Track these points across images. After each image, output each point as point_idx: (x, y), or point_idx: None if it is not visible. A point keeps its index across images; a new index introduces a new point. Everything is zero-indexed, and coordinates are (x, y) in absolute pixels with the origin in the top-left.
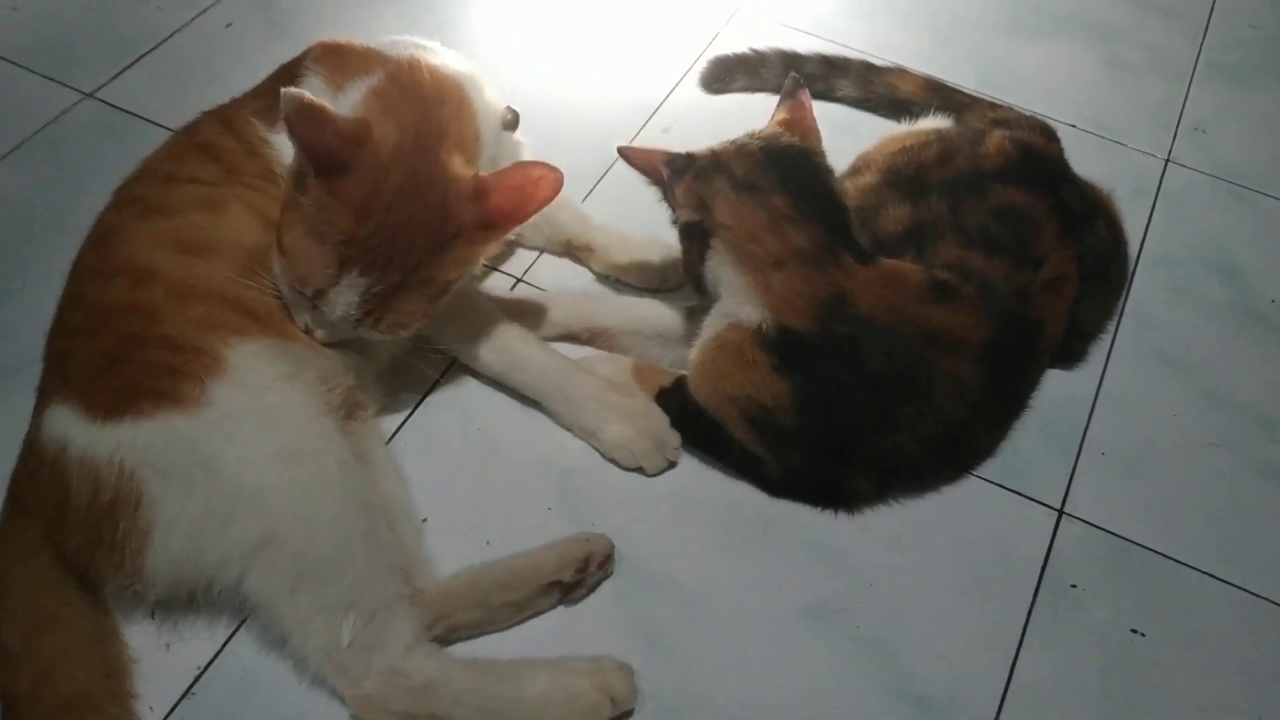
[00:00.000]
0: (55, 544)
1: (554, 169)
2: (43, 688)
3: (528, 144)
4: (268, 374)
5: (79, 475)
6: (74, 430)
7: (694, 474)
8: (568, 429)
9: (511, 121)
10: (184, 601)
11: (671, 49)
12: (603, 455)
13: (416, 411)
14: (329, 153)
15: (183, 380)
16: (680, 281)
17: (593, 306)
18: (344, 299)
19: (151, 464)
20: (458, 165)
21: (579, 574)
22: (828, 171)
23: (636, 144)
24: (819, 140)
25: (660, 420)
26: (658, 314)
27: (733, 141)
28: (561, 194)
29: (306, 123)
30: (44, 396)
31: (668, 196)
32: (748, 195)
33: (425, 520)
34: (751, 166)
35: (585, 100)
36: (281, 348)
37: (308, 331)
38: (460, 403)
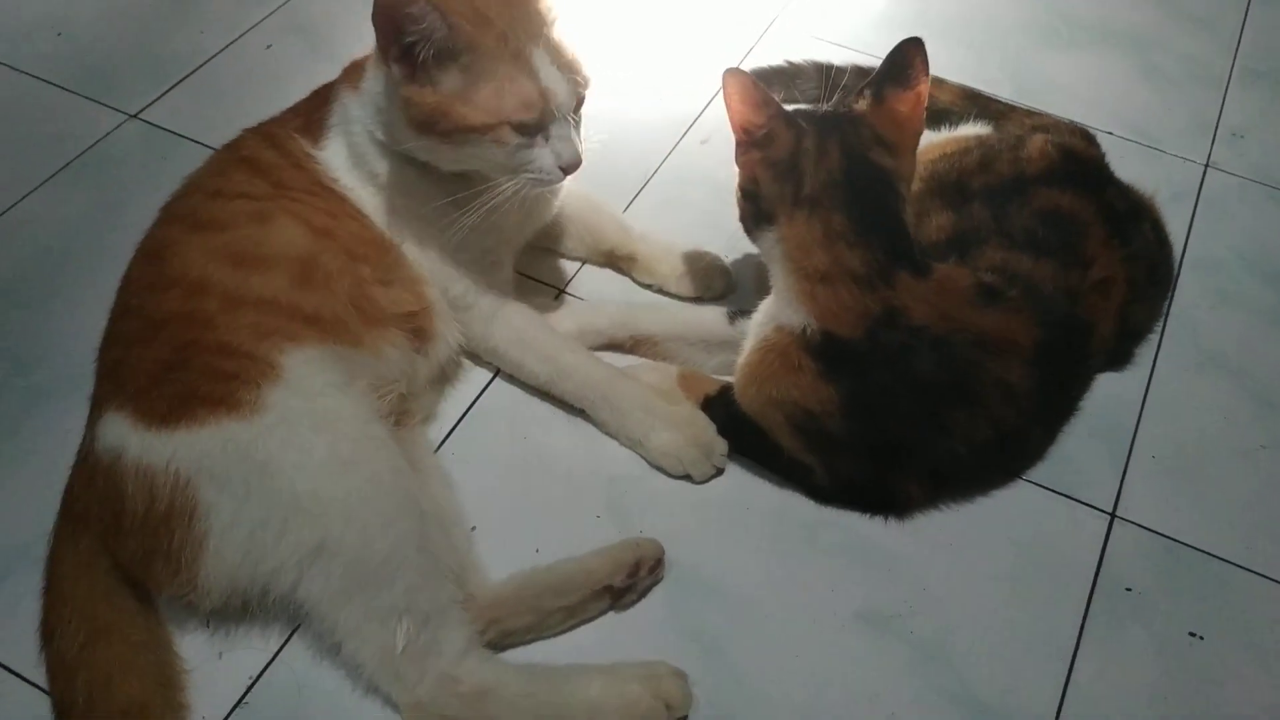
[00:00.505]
0: (111, 552)
1: None
2: (98, 697)
3: None
4: (321, 380)
5: (135, 483)
6: (129, 438)
7: (740, 480)
8: (614, 437)
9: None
10: (237, 610)
11: (708, 61)
12: (650, 463)
13: (464, 420)
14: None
15: (238, 386)
16: (724, 290)
17: (635, 314)
18: (551, 75)
19: (207, 471)
20: None
21: (630, 578)
22: (902, 199)
23: (674, 156)
24: (915, 145)
25: (707, 427)
26: (700, 320)
27: (826, 121)
28: (603, 205)
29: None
30: (98, 406)
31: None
32: (806, 208)
33: (474, 528)
34: (823, 183)
35: (625, 112)
36: (336, 353)
37: (570, 168)
38: (507, 412)
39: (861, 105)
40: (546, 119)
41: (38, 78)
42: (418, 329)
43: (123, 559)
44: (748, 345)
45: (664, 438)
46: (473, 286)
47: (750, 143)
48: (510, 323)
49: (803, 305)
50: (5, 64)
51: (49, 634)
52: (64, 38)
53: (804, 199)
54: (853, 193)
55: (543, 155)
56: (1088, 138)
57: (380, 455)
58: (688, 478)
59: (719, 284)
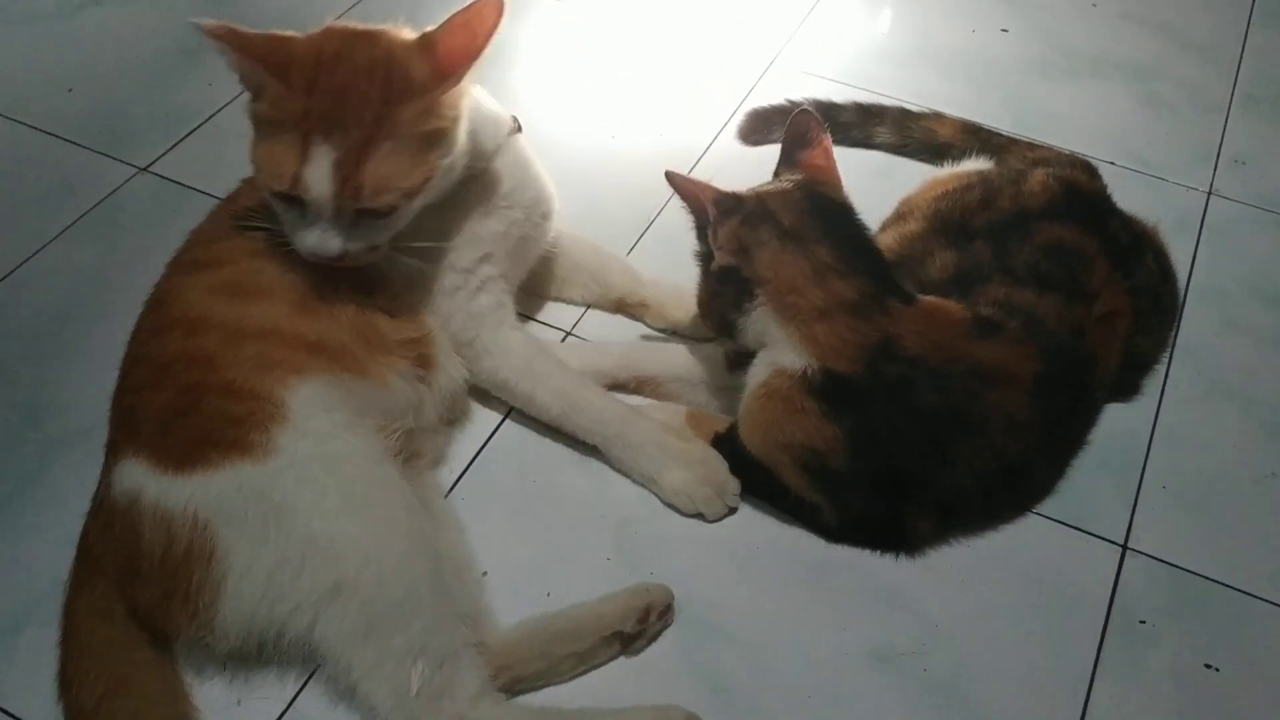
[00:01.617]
0: (128, 598)
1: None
2: None
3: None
4: (329, 421)
5: (151, 527)
6: (146, 483)
7: (750, 520)
8: (626, 475)
9: (515, 129)
10: (253, 654)
11: (709, 102)
12: (662, 501)
13: (473, 465)
14: (261, 51)
15: (248, 429)
16: None
17: (639, 355)
18: (317, 171)
19: (224, 513)
20: (400, 31)
21: (640, 624)
22: (866, 228)
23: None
24: (842, 190)
25: (719, 466)
26: (705, 362)
27: (770, 185)
28: (608, 253)
29: (228, 37)
30: (113, 452)
31: (707, 233)
32: (792, 244)
33: (485, 573)
34: (798, 215)
35: (627, 153)
36: (342, 385)
37: (313, 255)
38: (516, 456)
39: (785, 177)
40: (303, 200)
41: (49, 133)
42: (421, 356)
43: (139, 604)
44: (749, 389)
45: (677, 476)
46: (469, 320)
47: (724, 213)
48: (515, 352)
49: (805, 349)
50: (17, 119)
51: (67, 683)
52: (75, 93)
53: (786, 232)
54: (825, 222)
55: (294, 230)
56: (1089, 170)
57: (393, 496)
58: (700, 516)
59: None
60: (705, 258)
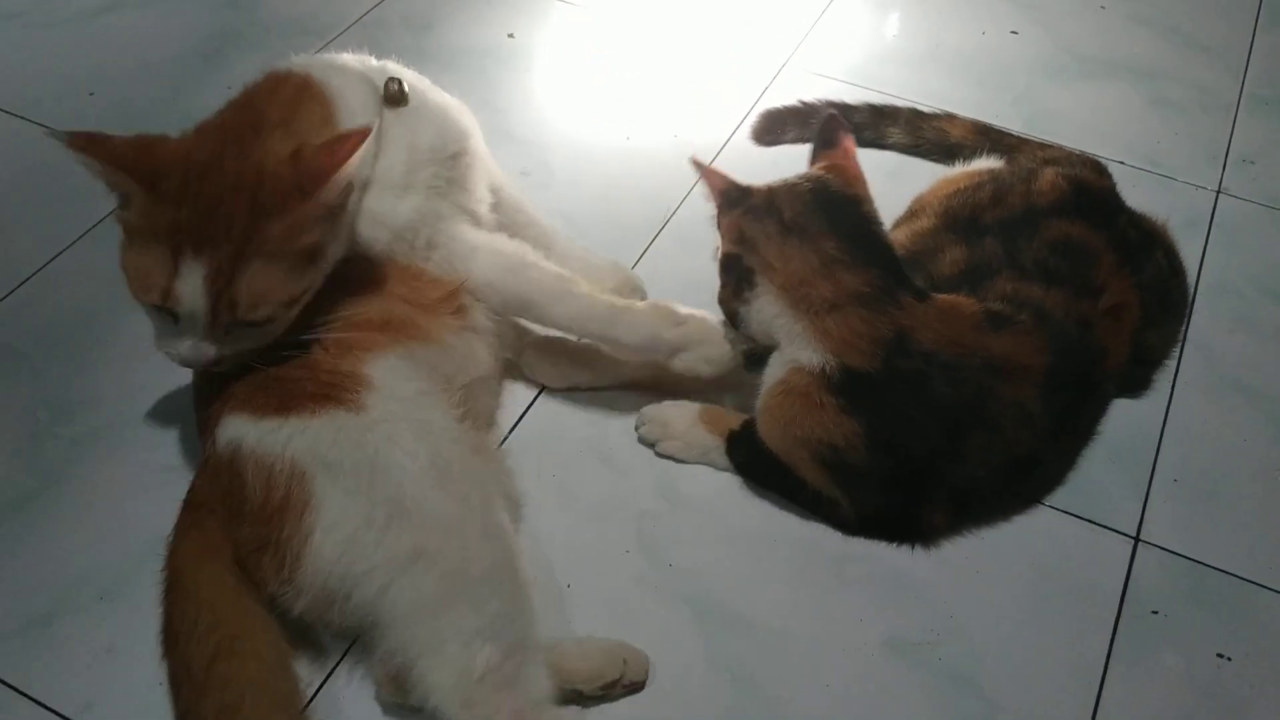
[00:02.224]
0: (232, 541)
1: (363, 127)
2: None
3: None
4: (411, 387)
5: (254, 472)
6: (246, 430)
7: (767, 513)
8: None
9: (396, 94)
10: (318, 617)
11: (723, 103)
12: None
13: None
14: (128, 160)
15: (340, 390)
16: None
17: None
18: (189, 286)
19: (322, 458)
20: (274, 140)
21: (604, 691)
22: (876, 221)
23: (693, 196)
24: (866, 188)
25: (715, 330)
26: None
27: (785, 181)
28: (535, 226)
29: (89, 148)
30: (213, 420)
31: (717, 222)
32: (796, 238)
33: None
34: (801, 209)
35: (642, 154)
36: (413, 354)
37: (185, 363)
38: (535, 449)
39: (803, 174)
40: (174, 312)
41: None
42: (459, 307)
43: (240, 548)
44: (767, 386)
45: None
46: (436, 243)
47: (728, 203)
48: (482, 247)
49: (819, 343)
50: (39, 123)
51: (173, 637)
52: (96, 96)
53: (789, 226)
54: (830, 215)
55: (166, 338)
56: (1099, 169)
57: (475, 483)
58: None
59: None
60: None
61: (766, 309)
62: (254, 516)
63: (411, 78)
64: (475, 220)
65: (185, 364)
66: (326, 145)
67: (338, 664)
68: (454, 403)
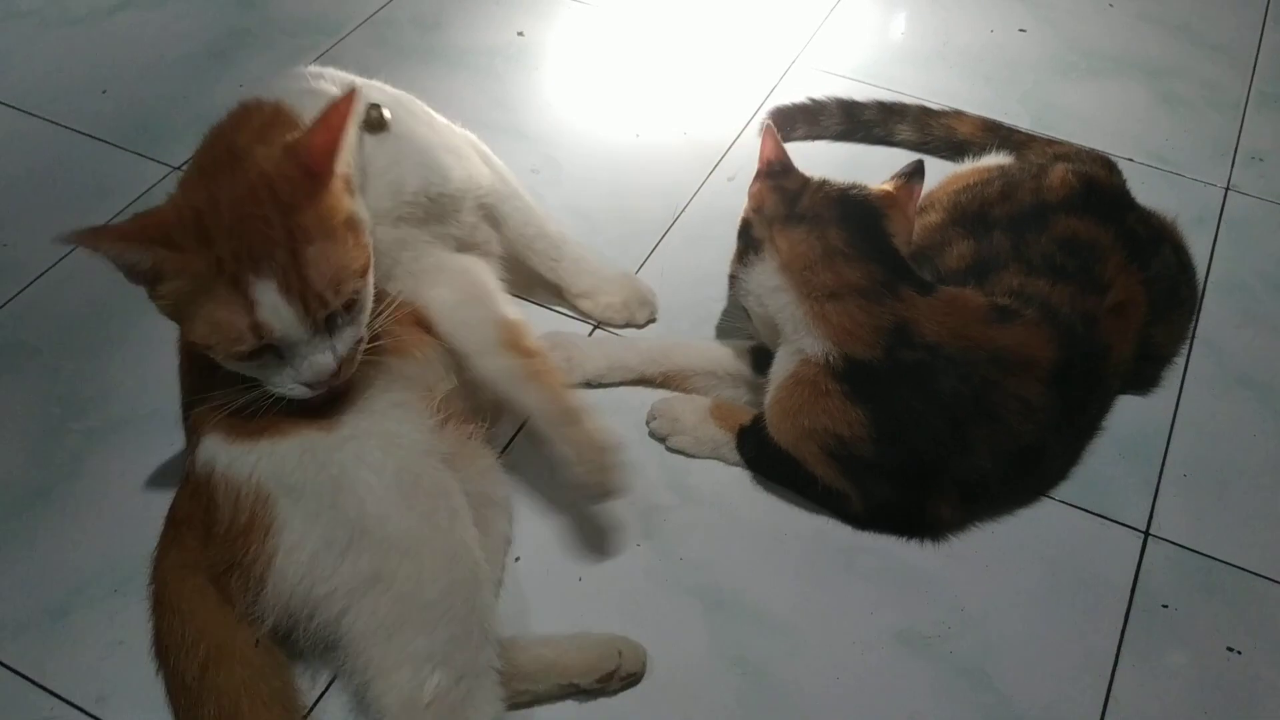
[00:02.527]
0: (206, 562)
1: (349, 95)
2: None
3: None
4: (385, 399)
5: (224, 494)
6: (219, 452)
7: (776, 507)
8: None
9: (376, 121)
10: (285, 637)
11: (732, 101)
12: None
13: (507, 451)
14: (140, 234)
15: (315, 404)
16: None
17: (666, 350)
18: (271, 306)
19: (284, 482)
20: (258, 152)
21: (600, 684)
22: (889, 232)
23: (703, 192)
24: (904, 221)
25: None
26: (730, 356)
27: (830, 179)
28: (539, 231)
29: (94, 239)
30: (194, 433)
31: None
32: (805, 224)
33: (518, 559)
34: (819, 202)
35: (651, 151)
36: (391, 368)
37: (316, 388)
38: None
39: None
40: (272, 345)
41: (85, 134)
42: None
43: (211, 568)
44: (775, 382)
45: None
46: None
47: (769, 172)
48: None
49: (818, 328)
50: (54, 121)
51: (164, 650)
52: (108, 94)
53: (797, 214)
54: (843, 212)
55: (281, 375)
56: (1109, 165)
57: (442, 497)
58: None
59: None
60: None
61: (765, 280)
62: (222, 538)
63: (400, 108)
64: (455, 242)
65: (316, 385)
66: (319, 124)
67: (337, 675)
68: (432, 410)
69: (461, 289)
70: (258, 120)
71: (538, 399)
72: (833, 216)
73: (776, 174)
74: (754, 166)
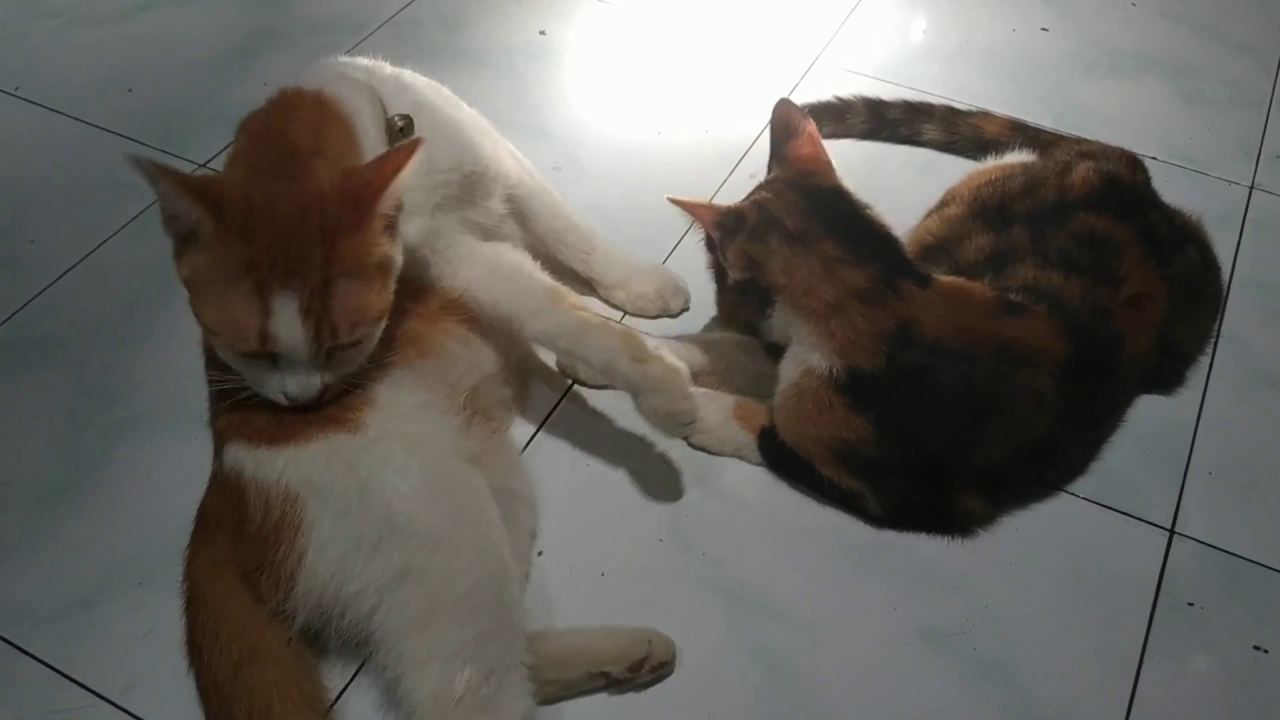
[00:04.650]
0: (238, 561)
1: (412, 143)
2: None
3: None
4: (410, 401)
5: (254, 494)
6: (245, 458)
7: (798, 503)
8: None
9: (400, 130)
10: (317, 633)
11: (753, 99)
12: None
13: (529, 447)
14: (196, 188)
15: (343, 409)
16: None
17: (691, 347)
18: (285, 321)
19: (312, 483)
20: (319, 166)
21: (631, 673)
22: (865, 206)
23: (725, 190)
24: (834, 171)
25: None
26: (755, 353)
27: (765, 189)
28: (569, 224)
29: (157, 172)
30: (219, 438)
31: (718, 253)
32: (801, 247)
33: (541, 554)
34: (799, 216)
35: (673, 150)
36: (414, 370)
37: (293, 403)
38: (570, 439)
39: (775, 170)
40: (271, 353)
41: (111, 131)
42: (464, 314)
43: (242, 566)
44: (781, 386)
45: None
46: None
47: (728, 234)
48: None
49: (824, 345)
50: (80, 119)
51: (196, 649)
52: (134, 92)
53: (793, 235)
54: (825, 215)
55: (270, 380)
56: (1134, 163)
57: (470, 495)
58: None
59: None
60: (719, 271)
61: (782, 320)
62: (253, 537)
63: (431, 91)
64: (484, 234)
65: (294, 401)
66: (378, 161)
67: (361, 666)
68: (457, 408)
69: (500, 266)
70: (304, 113)
71: (603, 341)
72: (820, 227)
73: (734, 228)
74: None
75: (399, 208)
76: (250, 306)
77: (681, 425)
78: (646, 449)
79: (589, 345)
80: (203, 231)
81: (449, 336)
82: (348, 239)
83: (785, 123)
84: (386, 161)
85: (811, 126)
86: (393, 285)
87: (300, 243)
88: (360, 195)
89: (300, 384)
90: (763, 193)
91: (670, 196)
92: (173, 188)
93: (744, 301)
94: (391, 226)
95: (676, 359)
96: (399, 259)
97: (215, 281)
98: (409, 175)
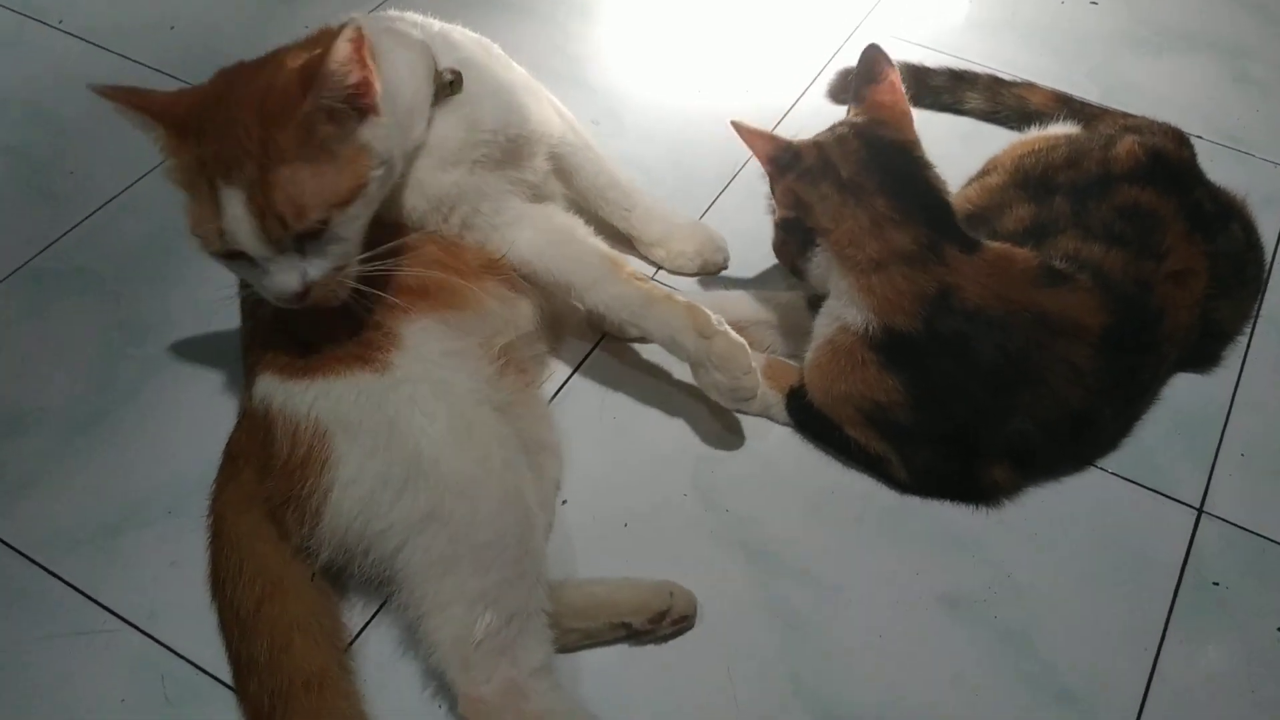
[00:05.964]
0: (263, 495)
1: (340, 26)
2: (280, 661)
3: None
4: (439, 347)
5: (282, 428)
6: (275, 390)
7: (825, 463)
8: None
9: (448, 85)
10: (341, 569)
11: (795, 61)
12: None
13: (557, 397)
14: (156, 106)
15: (369, 348)
16: None
17: (724, 301)
18: (234, 215)
19: (341, 418)
20: (288, 58)
21: (652, 624)
22: (927, 166)
23: None
24: (911, 124)
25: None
26: (790, 308)
27: (832, 131)
28: (610, 181)
29: (119, 96)
30: (250, 371)
31: (770, 185)
32: (851, 198)
33: (565, 502)
34: (856, 166)
35: (711, 109)
36: (447, 321)
37: (281, 298)
38: (597, 392)
39: (851, 113)
40: (240, 251)
41: (152, 68)
42: (505, 273)
43: (268, 501)
44: (815, 343)
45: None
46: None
47: (780, 169)
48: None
49: (862, 300)
50: (122, 54)
51: (219, 583)
52: (176, 30)
53: (846, 184)
54: (882, 170)
55: (259, 280)
56: (1180, 139)
57: (496, 443)
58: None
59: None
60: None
61: (824, 265)
62: (279, 471)
63: (481, 50)
64: (530, 193)
65: (281, 299)
66: (321, 44)
67: (382, 605)
68: (489, 360)
69: (551, 230)
70: (323, 40)
71: (668, 316)
72: (874, 180)
73: (788, 164)
74: (816, 126)
75: (359, 89)
76: (209, 206)
77: (742, 400)
78: (675, 403)
79: (652, 318)
80: (160, 141)
81: (488, 293)
82: (283, 125)
83: (869, 67)
84: (328, 45)
85: (895, 75)
86: (362, 170)
87: (239, 136)
88: (300, 81)
89: (278, 280)
90: (828, 134)
91: (734, 121)
92: (121, 105)
93: (788, 240)
94: (362, 109)
95: (739, 339)
96: (374, 144)
97: (186, 186)
98: (341, 55)
